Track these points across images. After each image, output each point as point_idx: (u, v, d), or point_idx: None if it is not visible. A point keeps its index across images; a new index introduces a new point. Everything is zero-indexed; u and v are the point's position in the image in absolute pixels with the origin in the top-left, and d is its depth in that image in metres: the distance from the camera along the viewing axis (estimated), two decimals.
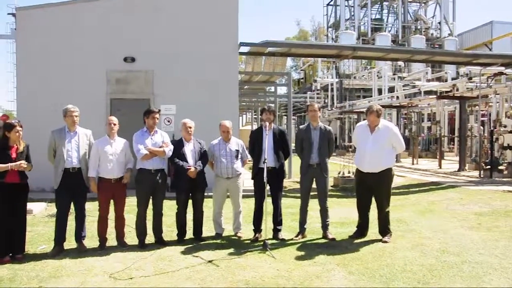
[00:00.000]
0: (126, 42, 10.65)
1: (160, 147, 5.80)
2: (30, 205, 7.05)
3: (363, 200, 6.15)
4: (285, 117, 30.83)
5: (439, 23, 37.76)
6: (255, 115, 27.36)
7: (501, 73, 15.31)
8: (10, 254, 5.16)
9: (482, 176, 12.96)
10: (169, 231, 6.26)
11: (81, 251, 5.49)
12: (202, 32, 10.86)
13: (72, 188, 5.50)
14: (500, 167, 13.14)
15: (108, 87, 10.59)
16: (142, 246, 5.71)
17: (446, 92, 19.95)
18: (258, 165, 6.03)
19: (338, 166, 12.38)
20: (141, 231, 5.82)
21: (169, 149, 5.84)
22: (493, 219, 7.25)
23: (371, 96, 26.47)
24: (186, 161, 5.93)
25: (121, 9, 10.77)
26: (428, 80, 26.17)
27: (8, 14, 11.27)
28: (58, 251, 5.42)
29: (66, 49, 10.49)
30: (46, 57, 10.44)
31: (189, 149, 6.02)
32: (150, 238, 5.91)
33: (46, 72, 10.42)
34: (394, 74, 29.05)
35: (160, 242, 5.84)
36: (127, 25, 10.70)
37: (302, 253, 5.43)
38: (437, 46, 35.24)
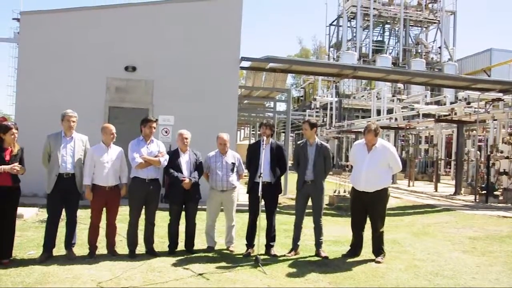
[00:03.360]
0: (127, 51, 10.70)
1: (156, 156, 5.77)
2: (21, 210, 7.02)
3: (358, 219, 6.09)
4: (283, 133, 30.86)
5: (440, 47, 38.21)
6: (253, 130, 27.39)
7: (499, 99, 15.41)
8: None
9: (477, 200, 12.94)
10: (161, 242, 6.19)
11: (70, 259, 5.40)
12: (204, 45, 10.93)
13: (65, 194, 5.44)
14: (495, 192, 13.15)
15: (107, 95, 10.60)
16: (132, 256, 5.63)
17: (444, 115, 20.06)
18: (253, 179, 5.99)
19: (334, 185, 12.34)
20: (132, 241, 5.74)
21: (164, 159, 5.80)
22: (488, 244, 7.20)
23: (370, 117, 26.57)
24: (181, 172, 5.89)
25: (125, 18, 10.86)
26: (427, 103, 26.35)
27: (13, 19, 11.38)
28: (47, 257, 5.33)
29: (67, 54, 10.53)
30: (47, 62, 10.46)
31: (185, 160, 5.99)
32: (141, 249, 5.84)
33: (45, 76, 10.42)
34: (393, 96, 29.21)
35: (150, 253, 5.77)
36: (129, 34, 10.78)
37: (294, 270, 5.36)
38: (437, 70, 35.58)
